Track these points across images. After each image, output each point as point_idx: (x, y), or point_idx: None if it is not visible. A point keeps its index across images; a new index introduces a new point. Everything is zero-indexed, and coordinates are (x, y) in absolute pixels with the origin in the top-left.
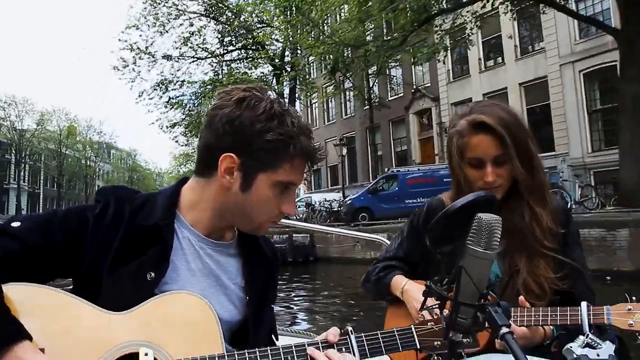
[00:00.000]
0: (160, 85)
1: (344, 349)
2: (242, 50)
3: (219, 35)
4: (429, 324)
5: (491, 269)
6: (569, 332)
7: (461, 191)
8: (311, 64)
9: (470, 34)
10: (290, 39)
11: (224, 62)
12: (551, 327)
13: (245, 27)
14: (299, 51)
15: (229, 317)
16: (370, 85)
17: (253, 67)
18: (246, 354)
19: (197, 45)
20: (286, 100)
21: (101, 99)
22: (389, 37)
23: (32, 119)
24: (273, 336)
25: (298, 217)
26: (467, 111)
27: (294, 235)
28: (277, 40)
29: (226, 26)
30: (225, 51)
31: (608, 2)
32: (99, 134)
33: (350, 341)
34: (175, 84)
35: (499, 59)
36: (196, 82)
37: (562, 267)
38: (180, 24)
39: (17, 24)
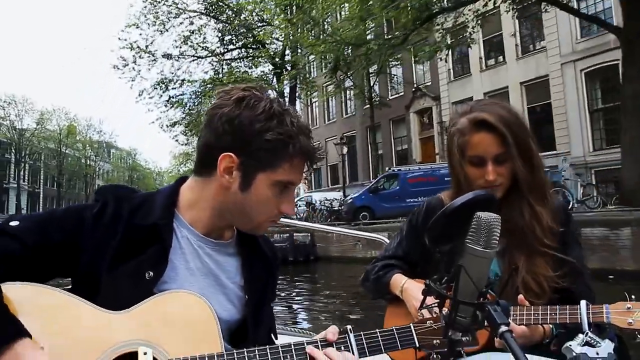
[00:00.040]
0: (161, 84)
1: (342, 348)
2: (243, 49)
3: (219, 34)
4: (428, 322)
5: (490, 268)
6: (568, 330)
7: (461, 190)
8: (311, 63)
9: (472, 33)
10: (291, 37)
11: (224, 61)
12: (550, 326)
13: (246, 26)
14: (299, 50)
15: (227, 317)
16: (371, 84)
17: (253, 66)
18: (245, 352)
19: (197, 44)
20: (286, 99)
21: (101, 98)
22: (390, 36)
23: (32, 118)
24: (272, 335)
25: (299, 216)
26: (468, 109)
27: (294, 234)
28: (277, 39)
29: (226, 25)
30: (225, 50)
31: (610, 0)
32: (98, 133)
33: (349, 340)
34: (175, 83)
35: (500, 58)
36: (196, 81)
37: (562, 265)
38: (181, 23)
39: (17, 23)
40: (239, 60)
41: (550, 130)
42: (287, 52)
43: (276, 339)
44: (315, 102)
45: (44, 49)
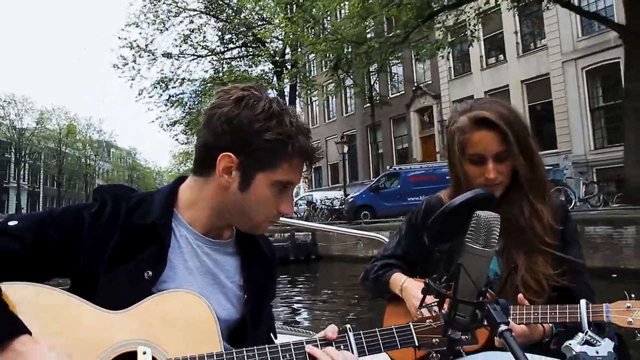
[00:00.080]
0: (161, 83)
1: (342, 347)
2: (243, 48)
3: (219, 33)
4: (427, 321)
5: (490, 267)
6: (567, 329)
7: (460, 188)
8: (312, 62)
9: (474, 31)
10: (291, 36)
11: (224, 60)
12: (550, 325)
13: (246, 25)
14: (299, 49)
15: (227, 316)
16: (372, 83)
17: (253, 65)
18: (244, 352)
19: (197, 42)
20: (287, 98)
21: (101, 99)
22: (391, 34)
23: (32, 118)
24: (272, 334)
25: (299, 215)
26: (468, 108)
27: (295, 233)
28: (277, 38)
29: (226, 24)
30: (225, 49)
31: None
32: (98, 132)
33: (349, 339)
34: (175, 82)
35: (501, 56)
36: (196, 80)
37: (561, 263)
38: (180, 22)
39: (18, 23)
40: (239, 59)
41: (552, 128)
42: (288, 50)
43: (276, 338)
44: (315, 101)
45: (44, 49)
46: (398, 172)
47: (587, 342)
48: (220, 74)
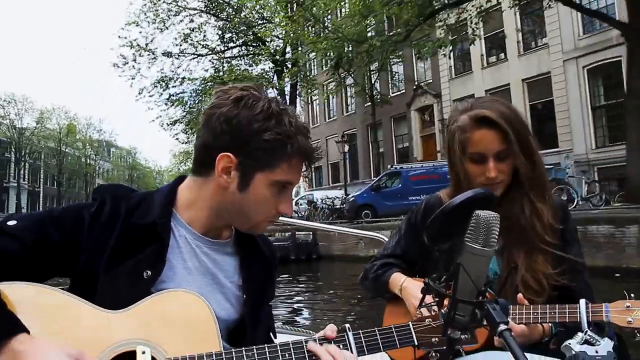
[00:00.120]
0: (161, 83)
1: (341, 347)
2: (243, 47)
3: (220, 32)
4: (426, 320)
5: (489, 266)
6: (567, 329)
7: (460, 187)
8: (312, 61)
9: (475, 29)
10: (292, 35)
11: (225, 59)
12: (550, 324)
13: (246, 24)
14: (300, 48)
15: (226, 316)
16: (373, 82)
17: (254, 64)
18: (244, 351)
19: (197, 42)
20: (287, 97)
21: (101, 98)
22: (392, 32)
23: (32, 117)
24: (271, 334)
25: (300, 215)
26: (468, 106)
27: (296, 233)
28: (277, 37)
29: (227, 22)
30: (225, 48)
31: None
32: (98, 132)
33: (348, 338)
34: (175, 81)
35: (502, 55)
36: (197, 79)
37: (561, 263)
38: (181, 21)
39: (18, 23)
40: (239, 58)
41: (553, 127)
42: (288, 49)
43: (275, 337)
44: (315, 100)
45: (44, 49)
46: (399, 171)
47: (586, 342)
48: (221, 73)
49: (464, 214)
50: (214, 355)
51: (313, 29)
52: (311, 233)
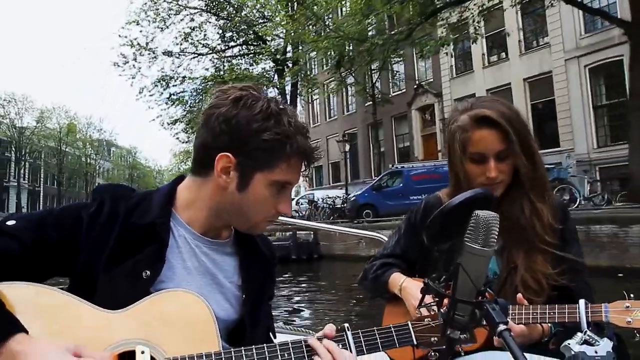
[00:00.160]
0: (161, 82)
1: (340, 346)
2: (244, 46)
3: (220, 31)
4: (425, 320)
5: (489, 266)
6: (566, 329)
7: (460, 187)
8: (313, 60)
9: (478, 27)
10: (293, 34)
11: (225, 58)
12: (549, 324)
13: (247, 23)
14: (300, 47)
15: (225, 316)
16: (374, 81)
17: (254, 63)
18: (243, 351)
19: (197, 41)
20: (288, 96)
21: (101, 98)
22: (394, 31)
23: (32, 117)
24: (271, 334)
25: (301, 215)
26: (469, 106)
27: (297, 232)
28: (278, 36)
29: (227, 22)
30: (226, 47)
31: None
32: (99, 131)
33: (347, 337)
34: (176, 80)
35: (503, 54)
36: (197, 78)
37: (560, 263)
38: (181, 20)
39: (18, 23)
40: (240, 57)
41: (554, 126)
42: (289, 48)
43: (275, 337)
44: (316, 99)
45: (45, 48)
46: (400, 170)
47: (586, 342)
48: (221, 72)
49: (463, 214)
50: (213, 355)
51: (314, 27)
52: (312, 233)
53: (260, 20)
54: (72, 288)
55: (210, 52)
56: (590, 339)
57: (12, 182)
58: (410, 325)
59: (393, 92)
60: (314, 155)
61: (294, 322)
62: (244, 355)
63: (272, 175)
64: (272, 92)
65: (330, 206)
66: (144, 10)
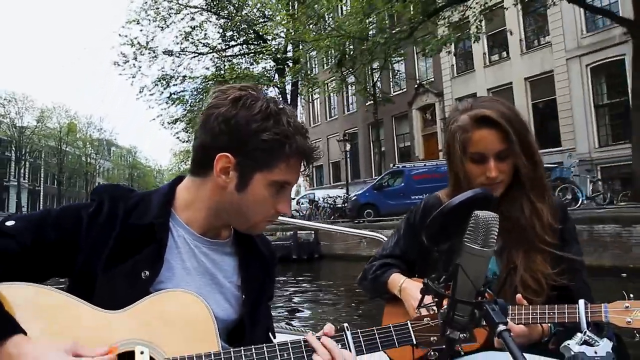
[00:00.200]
0: (162, 81)
1: (340, 346)
2: (244, 46)
3: (221, 30)
4: (425, 319)
5: (489, 267)
6: (566, 329)
7: (459, 187)
8: (314, 59)
9: (479, 26)
10: (293, 33)
11: (226, 58)
12: (549, 324)
13: (247, 22)
14: (301, 46)
15: (224, 316)
16: (374, 81)
17: (255, 63)
18: (242, 351)
19: (198, 40)
20: (288, 96)
21: (101, 98)
22: (396, 30)
23: (32, 116)
24: (270, 334)
25: (302, 214)
26: (469, 106)
27: (298, 232)
28: (278, 35)
29: (228, 21)
30: (226, 46)
31: None
32: (99, 131)
33: (346, 337)
34: (176, 80)
35: (504, 54)
36: (198, 77)
37: (560, 262)
38: (181, 19)
39: (18, 22)
40: (240, 57)
41: (555, 126)
42: (289, 47)
43: (274, 337)
44: (316, 99)
45: (45, 48)
46: (402, 170)
47: (585, 343)
48: (222, 72)
49: (463, 215)
50: (212, 355)
51: (315, 26)
52: (313, 232)
53: (261, 20)
54: (72, 288)
55: (211, 51)
56: (590, 340)
57: (12, 181)
58: (409, 324)
59: (394, 92)
60: (313, 155)
61: (295, 322)
62: (243, 356)
63: (271, 175)
64: (273, 92)
65: (331, 206)
66: (144, 9)
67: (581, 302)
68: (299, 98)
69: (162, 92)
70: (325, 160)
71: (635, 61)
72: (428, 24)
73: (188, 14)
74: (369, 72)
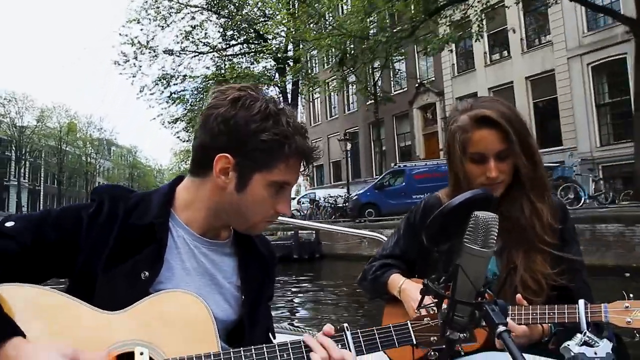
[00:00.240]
0: (162, 80)
1: (340, 346)
2: (245, 45)
3: (221, 30)
4: (425, 319)
5: (488, 267)
6: (566, 329)
7: (459, 188)
8: (314, 59)
9: (481, 25)
10: (294, 32)
11: (226, 57)
12: (549, 324)
13: (248, 21)
14: (302, 45)
15: (224, 316)
16: (375, 80)
17: (255, 62)
18: (242, 351)
19: (198, 39)
20: (289, 95)
21: (101, 98)
22: (397, 29)
23: (32, 116)
24: (270, 334)
25: (302, 214)
26: (468, 106)
27: (299, 232)
28: (279, 34)
29: (228, 20)
30: (227, 45)
31: None
32: (99, 130)
33: (346, 337)
34: (176, 79)
35: (505, 53)
36: (198, 76)
37: (559, 262)
38: (182, 18)
39: (18, 22)
40: (241, 56)
41: (557, 125)
42: (290, 47)
43: (274, 338)
44: (317, 98)
45: (45, 48)
46: (403, 169)
47: (585, 343)
48: (222, 71)
49: (462, 215)
50: (212, 356)
51: (315, 25)
52: (314, 232)
53: (262, 19)
54: (72, 289)
55: (211, 50)
56: (590, 340)
57: (13, 181)
58: (409, 324)
59: (394, 91)
60: (312, 155)
61: (295, 322)
62: (242, 356)
63: (270, 175)
64: (273, 91)
65: (332, 205)
66: (144, 8)
67: (581, 302)
68: (299, 97)
69: (163, 92)
70: (326, 159)
71: (637, 60)
72: (429, 23)
73: (188, 13)
74: (370, 71)
